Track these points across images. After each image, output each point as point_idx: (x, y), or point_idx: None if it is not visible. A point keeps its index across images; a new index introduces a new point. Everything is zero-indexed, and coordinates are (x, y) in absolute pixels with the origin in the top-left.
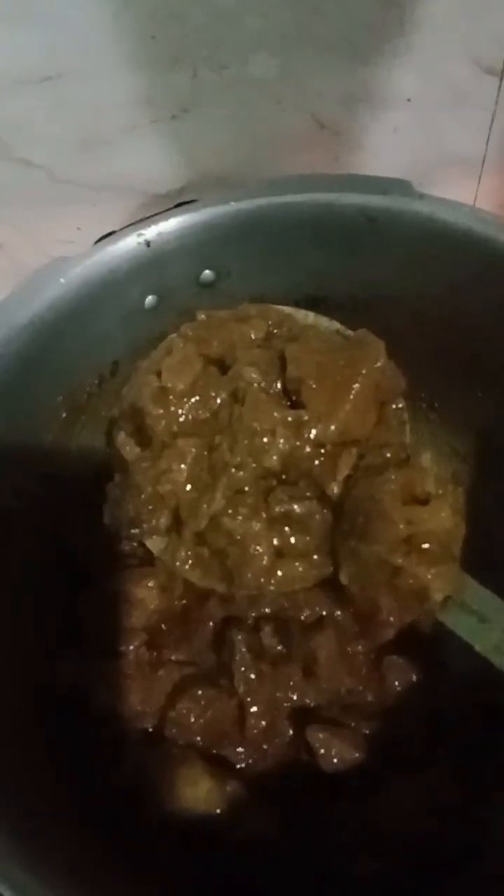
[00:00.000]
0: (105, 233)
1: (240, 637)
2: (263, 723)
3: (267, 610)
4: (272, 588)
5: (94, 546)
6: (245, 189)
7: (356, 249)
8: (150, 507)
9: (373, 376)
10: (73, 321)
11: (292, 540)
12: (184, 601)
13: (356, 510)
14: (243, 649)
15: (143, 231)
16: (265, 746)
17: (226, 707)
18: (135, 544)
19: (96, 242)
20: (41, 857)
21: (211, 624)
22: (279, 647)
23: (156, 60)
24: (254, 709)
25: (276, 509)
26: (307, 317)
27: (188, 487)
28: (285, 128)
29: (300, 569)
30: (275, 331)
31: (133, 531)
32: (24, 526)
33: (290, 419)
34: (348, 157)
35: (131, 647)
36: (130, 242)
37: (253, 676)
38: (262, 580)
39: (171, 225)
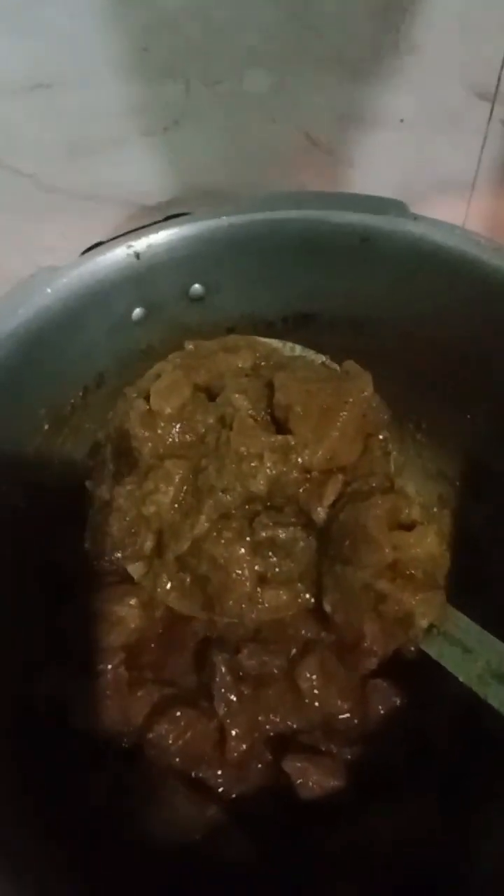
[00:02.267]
0: (91, 242)
1: (220, 658)
2: (244, 746)
3: (250, 632)
4: (254, 616)
5: (75, 561)
6: (238, 204)
7: (348, 268)
8: (134, 531)
9: (360, 405)
10: (59, 331)
11: (276, 567)
12: (165, 620)
13: (342, 535)
14: (223, 670)
15: (132, 242)
16: (245, 770)
17: (206, 729)
18: (114, 560)
19: (84, 252)
20: (10, 873)
21: (192, 644)
22: (260, 670)
23: (148, 72)
24: (234, 731)
25: (261, 534)
26: (294, 349)
27: (173, 510)
28: (277, 144)
29: (283, 597)
30: (262, 363)
31: (116, 556)
32: (4, 539)
33: (277, 444)
34: (339, 176)
35: (110, 666)
36: (120, 254)
37: (233, 698)
38: (244, 607)
39: (161, 237)
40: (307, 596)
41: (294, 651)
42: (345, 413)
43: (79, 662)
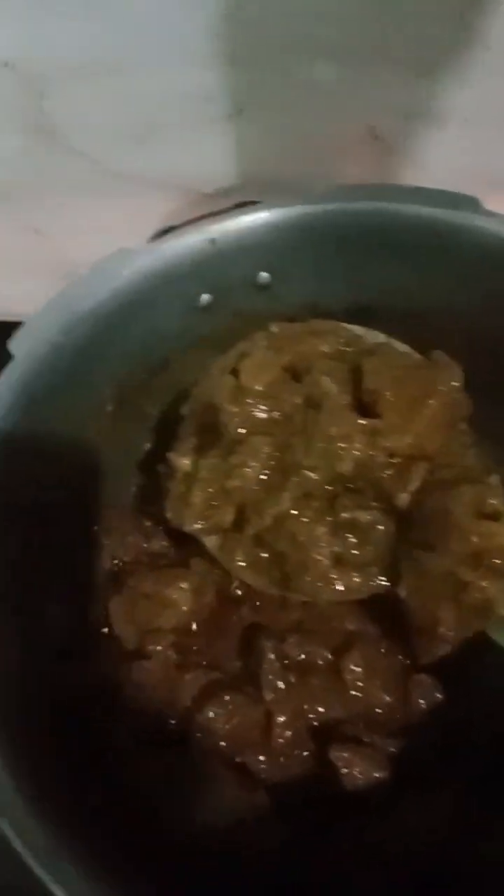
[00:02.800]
0: (148, 226)
1: (269, 644)
2: (289, 733)
3: (296, 620)
4: (326, 597)
5: (127, 544)
6: (311, 194)
7: (417, 262)
8: (215, 504)
9: (448, 395)
10: (131, 314)
11: (354, 549)
12: (212, 606)
13: (427, 521)
14: (272, 657)
15: (208, 228)
16: (288, 758)
17: (253, 714)
18: (164, 544)
19: (154, 236)
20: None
21: (238, 631)
22: (304, 658)
23: (220, 59)
24: (280, 718)
25: (342, 515)
26: (377, 337)
27: (256, 485)
28: (339, 136)
29: (356, 580)
30: (345, 349)
31: (195, 527)
32: (63, 519)
33: (367, 427)
34: (398, 170)
35: (160, 648)
36: (195, 239)
37: (281, 685)
38: (320, 585)
39: (236, 224)
40: (379, 581)
41: (338, 642)
42: (433, 402)
43: (127, 646)
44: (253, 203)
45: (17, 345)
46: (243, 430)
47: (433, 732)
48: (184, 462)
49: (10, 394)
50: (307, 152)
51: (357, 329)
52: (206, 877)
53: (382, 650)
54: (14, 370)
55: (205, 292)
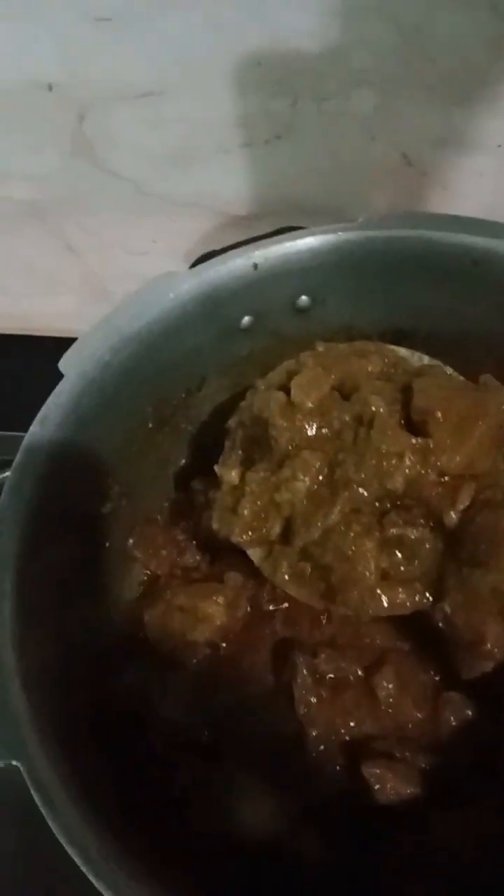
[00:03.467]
0: (179, 248)
1: (301, 660)
2: (321, 747)
3: (329, 636)
4: (370, 611)
5: (160, 557)
6: (353, 221)
7: (456, 288)
8: (263, 516)
9: (499, 416)
10: (175, 335)
11: (400, 566)
12: (245, 621)
13: (477, 539)
14: (304, 672)
15: (251, 253)
16: (320, 772)
17: (286, 729)
18: (197, 558)
19: (197, 261)
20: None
21: (269, 645)
22: (337, 673)
23: (258, 86)
24: (313, 732)
25: (391, 531)
26: (422, 359)
27: (306, 499)
28: (373, 163)
29: (402, 595)
30: (390, 370)
31: (244, 537)
32: (102, 531)
33: (418, 446)
34: (431, 197)
35: (194, 661)
36: (240, 264)
37: (314, 700)
38: (365, 600)
39: (279, 250)
40: (423, 598)
41: (370, 659)
42: (483, 423)
43: (162, 658)
44: (295, 228)
45: (68, 364)
46: (293, 446)
47: (465, 749)
48: (231, 474)
49: (59, 411)
50: (341, 178)
51: (402, 351)
52: (238, 885)
53: (414, 667)
54: (64, 388)
55: (246, 315)
